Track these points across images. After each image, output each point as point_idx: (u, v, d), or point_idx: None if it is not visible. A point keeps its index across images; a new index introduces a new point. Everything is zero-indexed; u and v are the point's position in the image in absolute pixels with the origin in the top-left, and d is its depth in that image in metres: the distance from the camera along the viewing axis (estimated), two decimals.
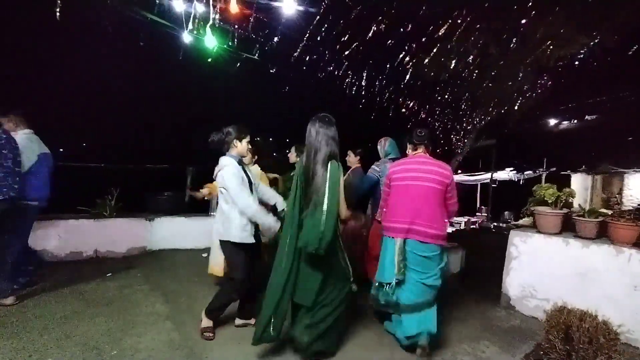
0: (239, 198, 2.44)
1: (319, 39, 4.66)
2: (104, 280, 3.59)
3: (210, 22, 3.39)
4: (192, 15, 3.31)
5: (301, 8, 3.45)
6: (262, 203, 2.68)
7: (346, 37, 4.73)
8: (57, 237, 4.06)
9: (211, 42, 3.68)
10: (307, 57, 5.18)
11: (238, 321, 2.77)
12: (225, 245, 2.56)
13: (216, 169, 2.58)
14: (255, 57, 4.90)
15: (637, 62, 5.77)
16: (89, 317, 2.77)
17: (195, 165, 5.74)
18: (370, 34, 4.62)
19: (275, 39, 4.51)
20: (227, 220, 2.51)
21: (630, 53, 5.19)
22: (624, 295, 2.70)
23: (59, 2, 2.98)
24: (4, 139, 2.73)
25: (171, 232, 4.91)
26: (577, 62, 5.10)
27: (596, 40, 4.59)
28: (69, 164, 5.47)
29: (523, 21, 4.38)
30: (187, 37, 3.67)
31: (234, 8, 3.11)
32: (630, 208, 4.23)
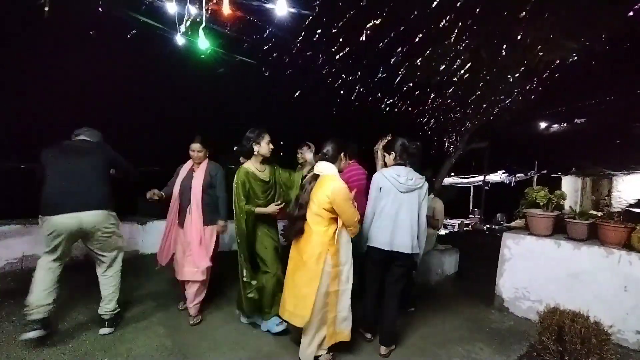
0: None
1: (311, 40, 4.67)
2: (94, 285, 3.51)
3: (203, 24, 3.37)
4: (184, 18, 3.29)
5: (294, 10, 3.45)
6: None
7: (339, 40, 4.75)
8: None
9: (204, 44, 3.66)
10: (300, 59, 5.19)
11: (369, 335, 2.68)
12: (413, 257, 2.53)
13: (400, 176, 2.50)
14: (248, 59, 4.90)
15: (623, 66, 5.91)
16: (79, 324, 2.71)
17: None
18: (362, 37, 4.64)
19: (268, 40, 4.51)
20: (415, 232, 2.49)
21: (616, 58, 5.32)
22: (614, 296, 2.74)
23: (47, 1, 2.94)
24: None
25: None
26: (566, 67, 5.21)
27: (585, 44, 4.69)
28: None
29: (513, 26, 4.46)
30: (179, 40, 3.65)
31: (226, 10, 3.10)
32: (619, 210, 4.32)
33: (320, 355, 2.28)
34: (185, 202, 2.89)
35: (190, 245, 2.81)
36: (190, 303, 2.87)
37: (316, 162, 2.40)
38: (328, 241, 2.18)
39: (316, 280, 2.15)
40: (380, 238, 2.47)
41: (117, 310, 2.68)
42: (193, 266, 2.78)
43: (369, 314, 2.67)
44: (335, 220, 2.23)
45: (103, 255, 2.61)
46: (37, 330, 2.30)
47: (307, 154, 3.37)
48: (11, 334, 2.47)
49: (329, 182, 2.21)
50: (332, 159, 2.33)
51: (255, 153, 2.61)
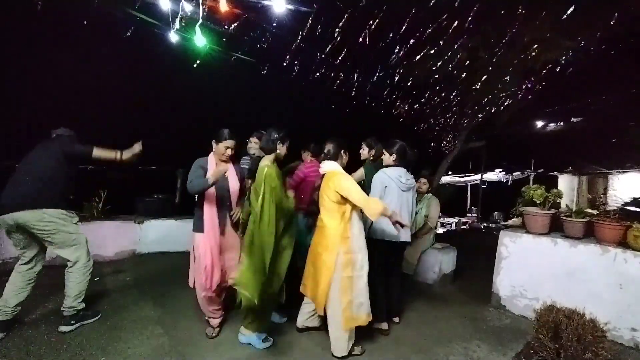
0: None
1: (310, 38, 4.67)
2: (92, 285, 3.47)
3: (200, 21, 3.35)
4: (180, 15, 3.27)
5: (291, 7, 3.44)
6: None
7: (338, 38, 4.74)
8: None
9: (201, 41, 3.64)
10: (299, 57, 5.18)
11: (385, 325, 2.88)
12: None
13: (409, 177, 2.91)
14: (246, 56, 4.88)
15: (619, 65, 5.94)
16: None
17: (185, 168, 5.67)
18: (361, 36, 4.64)
19: (266, 37, 4.50)
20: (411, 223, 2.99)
21: (612, 57, 5.35)
22: (609, 293, 2.76)
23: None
24: None
25: (161, 235, 4.83)
26: (562, 66, 5.23)
27: (581, 45, 4.72)
28: None
29: (510, 25, 4.47)
30: (175, 37, 3.62)
31: (223, 7, 3.08)
32: (615, 208, 4.35)
33: (352, 349, 2.43)
34: (225, 206, 2.62)
35: (232, 250, 2.64)
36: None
37: (320, 162, 2.57)
38: (341, 234, 2.36)
39: (330, 270, 2.33)
40: (390, 232, 2.74)
41: (77, 310, 2.63)
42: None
43: (381, 304, 2.80)
44: (347, 212, 2.40)
45: (61, 253, 2.60)
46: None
47: (255, 144, 3.17)
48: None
49: (332, 176, 2.42)
50: (334, 157, 2.54)
51: (277, 151, 2.56)
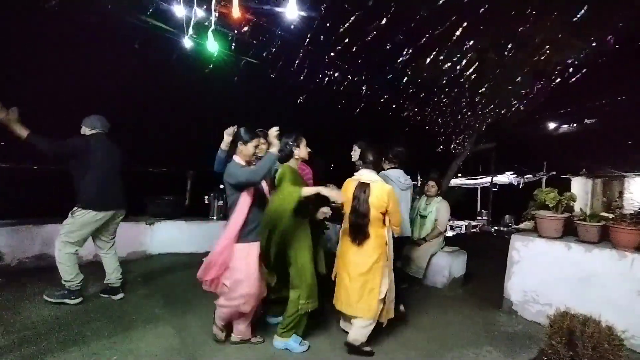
0: None
1: (319, 42, 4.70)
2: (103, 285, 3.56)
3: (212, 26, 3.40)
4: (192, 20, 3.32)
5: (303, 13, 3.48)
6: None
7: (345, 40, 4.75)
8: None
9: (213, 46, 3.69)
10: (308, 61, 5.21)
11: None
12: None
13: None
14: (257, 61, 4.93)
15: (634, 65, 5.81)
16: (88, 322, 2.74)
17: (195, 169, 5.75)
18: (369, 38, 4.65)
19: (277, 43, 4.55)
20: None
21: (626, 57, 5.23)
22: (627, 300, 2.68)
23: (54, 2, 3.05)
24: None
25: (171, 236, 4.89)
26: (575, 66, 5.13)
27: (592, 45, 4.62)
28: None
29: (520, 27, 4.41)
30: (188, 42, 3.68)
31: (236, 12, 3.13)
32: (632, 212, 4.23)
33: (362, 345, 2.49)
34: (261, 211, 2.40)
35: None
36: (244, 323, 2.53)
37: (357, 169, 2.51)
38: (384, 241, 2.47)
39: (379, 276, 2.43)
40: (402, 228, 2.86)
41: (122, 279, 3.33)
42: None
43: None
44: (384, 221, 2.48)
45: (111, 237, 3.31)
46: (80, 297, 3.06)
47: (263, 145, 2.98)
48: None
49: (381, 187, 2.43)
50: (375, 166, 2.50)
51: (296, 157, 2.52)
